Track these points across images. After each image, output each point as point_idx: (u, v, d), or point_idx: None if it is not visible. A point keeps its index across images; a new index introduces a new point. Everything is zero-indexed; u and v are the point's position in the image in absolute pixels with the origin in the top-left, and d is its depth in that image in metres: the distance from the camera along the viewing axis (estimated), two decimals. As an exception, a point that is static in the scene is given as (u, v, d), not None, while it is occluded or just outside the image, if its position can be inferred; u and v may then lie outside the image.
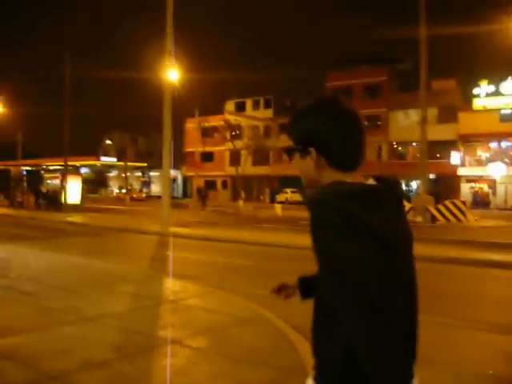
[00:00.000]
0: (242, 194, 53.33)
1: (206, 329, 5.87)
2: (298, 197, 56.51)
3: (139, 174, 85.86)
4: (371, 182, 1.74)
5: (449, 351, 5.89)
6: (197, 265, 12.46)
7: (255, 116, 62.05)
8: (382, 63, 54.74)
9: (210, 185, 65.30)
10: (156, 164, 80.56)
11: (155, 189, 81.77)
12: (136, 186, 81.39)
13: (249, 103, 65.66)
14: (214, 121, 62.73)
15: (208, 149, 66.06)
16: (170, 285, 8.74)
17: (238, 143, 54.74)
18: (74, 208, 33.84)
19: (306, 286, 2.15)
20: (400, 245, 1.66)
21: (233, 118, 58.29)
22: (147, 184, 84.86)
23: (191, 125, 66.57)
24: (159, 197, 66.09)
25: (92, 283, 8.61)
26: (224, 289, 8.38)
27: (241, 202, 41.12)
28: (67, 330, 5.74)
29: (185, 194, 70.27)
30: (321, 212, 1.55)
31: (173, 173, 69.55)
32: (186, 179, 72.54)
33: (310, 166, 1.76)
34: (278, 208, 34.70)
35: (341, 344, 1.58)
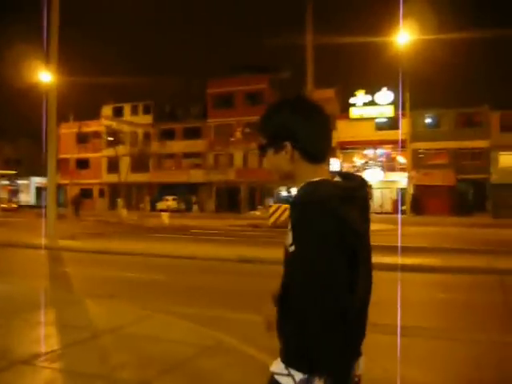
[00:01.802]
0: (122, 202, 51.61)
1: (173, 364, 5.00)
2: (178, 204, 55.64)
3: (6, 182, 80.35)
4: (337, 178, 1.87)
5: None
6: (106, 282, 11.36)
7: (135, 122, 60.17)
8: (262, 71, 55.31)
9: (87, 193, 62.40)
10: (24, 172, 75.89)
11: (24, 198, 77.01)
12: (3, 195, 76.00)
13: (127, 108, 63.45)
14: (93, 126, 60.15)
15: (84, 155, 63.25)
16: (94, 309, 7.70)
17: (120, 149, 52.78)
18: None
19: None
20: (366, 243, 1.85)
21: (114, 124, 56.15)
22: (15, 193, 79.61)
23: (66, 130, 63.37)
24: (31, 206, 62.59)
25: (1, 312, 7.39)
26: (158, 311, 7.53)
27: (124, 211, 39.50)
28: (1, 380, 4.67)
29: (57, 204, 66.63)
30: (316, 213, 1.65)
31: (43, 181, 65.63)
32: (59, 187, 68.85)
33: (284, 160, 1.87)
34: (164, 216, 33.70)
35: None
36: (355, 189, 1.82)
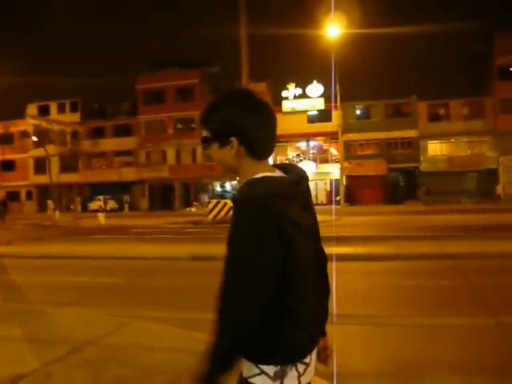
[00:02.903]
0: (51, 205, 50.14)
1: (177, 374, 4.66)
2: (111, 204, 54.30)
3: None
4: (278, 171, 1.86)
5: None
6: (60, 289, 10.73)
7: (61, 120, 57.93)
8: (192, 66, 54.63)
9: (13, 196, 59.87)
10: None
11: None
12: None
13: (53, 106, 61.01)
14: (19, 125, 57.68)
15: (8, 156, 60.59)
16: (63, 318, 7.17)
17: (50, 149, 50.71)
18: None
19: None
20: (308, 234, 1.85)
21: (44, 123, 53.90)
22: None
23: (-14, 131, 60.64)
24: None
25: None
26: (130, 316, 7.13)
27: (57, 213, 38.16)
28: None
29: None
30: (254, 209, 1.65)
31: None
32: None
33: (229, 155, 1.83)
34: (100, 217, 32.85)
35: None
36: (297, 183, 1.83)
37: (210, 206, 30.00)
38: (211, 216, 28.92)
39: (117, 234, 24.26)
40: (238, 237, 1.70)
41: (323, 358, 2.11)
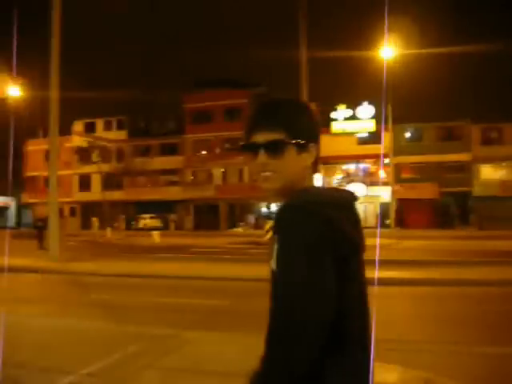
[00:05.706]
0: (96, 222, 50.14)
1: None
2: (156, 223, 53.85)
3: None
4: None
5: None
6: (167, 310, 10.05)
7: (108, 138, 57.93)
8: (237, 86, 54.33)
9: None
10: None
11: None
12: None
13: (99, 124, 61.37)
14: (65, 142, 57.95)
15: (54, 173, 60.79)
16: (218, 347, 6.44)
17: (99, 166, 50.53)
18: None
19: None
20: (361, 253, 1.64)
21: (96, 141, 53.80)
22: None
23: (33, 147, 61.09)
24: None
25: (113, 358, 6.07)
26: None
27: (108, 230, 37.84)
28: None
29: (19, 224, 63.65)
30: (301, 217, 1.47)
31: (4, 200, 62.85)
32: (20, 208, 66.19)
33: (304, 164, 1.68)
34: (155, 235, 32.39)
35: None
36: (348, 199, 1.68)
37: (267, 226, 29.49)
38: (268, 237, 28.30)
39: (178, 252, 23.72)
40: (287, 253, 1.46)
41: None
